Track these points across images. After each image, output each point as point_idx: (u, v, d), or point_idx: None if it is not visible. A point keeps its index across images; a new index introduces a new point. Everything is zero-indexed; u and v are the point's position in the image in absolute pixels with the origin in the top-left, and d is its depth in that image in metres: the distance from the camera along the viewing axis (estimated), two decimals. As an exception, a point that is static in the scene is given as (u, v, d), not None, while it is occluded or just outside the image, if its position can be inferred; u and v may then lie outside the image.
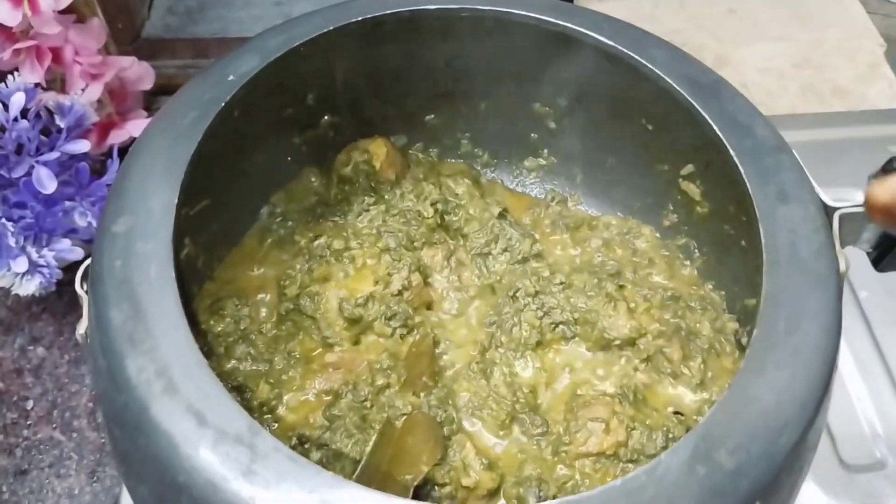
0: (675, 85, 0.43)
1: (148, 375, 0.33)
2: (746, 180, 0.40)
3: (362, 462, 0.42)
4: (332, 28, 0.45)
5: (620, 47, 0.45)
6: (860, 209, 0.39)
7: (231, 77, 0.42)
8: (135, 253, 0.36)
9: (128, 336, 0.33)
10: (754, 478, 0.32)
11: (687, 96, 0.43)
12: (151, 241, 0.36)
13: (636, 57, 0.45)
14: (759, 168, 0.40)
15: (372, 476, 0.41)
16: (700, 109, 0.43)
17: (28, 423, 0.57)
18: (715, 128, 0.42)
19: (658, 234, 0.55)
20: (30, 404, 0.58)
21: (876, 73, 0.79)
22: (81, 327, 0.38)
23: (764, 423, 0.33)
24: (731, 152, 0.41)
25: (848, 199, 0.40)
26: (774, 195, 0.39)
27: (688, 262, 0.53)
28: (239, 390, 0.46)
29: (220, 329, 0.48)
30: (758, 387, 0.34)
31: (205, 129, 0.40)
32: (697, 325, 0.49)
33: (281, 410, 0.46)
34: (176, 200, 0.37)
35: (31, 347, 0.60)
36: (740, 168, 0.40)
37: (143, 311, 0.34)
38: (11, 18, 0.54)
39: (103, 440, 0.56)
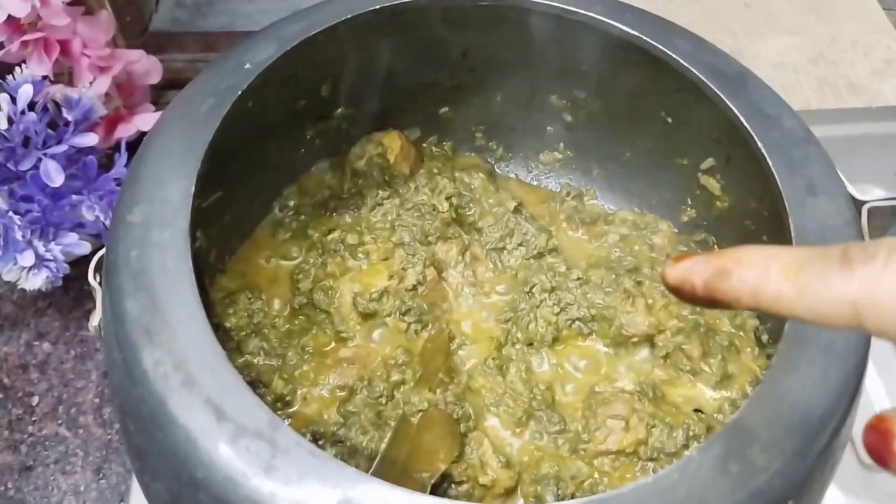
0: (700, 75, 0.43)
1: (165, 368, 0.32)
2: (775, 172, 0.39)
3: (377, 459, 0.42)
4: (349, 16, 0.45)
5: (644, 37, 0.44)
6: (889, 203, 0.39)
7: (248, 65, 0.41)
8: (151, 243, 0.35)
9: (144, 328, 0.33)
10: (788, 476, 0.31)
11: (713, 87, 0.42)
12: (168, 230, 0.35)
13: (660, 47, 0.44)
14: (788, 160, 0.40)
15: (388, 473, 0.40)
16: (726, 100, 0.42)
17: (33, 419, 0.56)
18: (742, 119, 0.41)
19: (676, 230, 0.54)
20: (35, 400, 0.57)
21: (892, 68, 0.78)
22: (95, 319, 0.37)
23: (798, 420, 0.32)
24: (759, 144, 0.40)
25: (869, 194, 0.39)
26: (803, 187, 0.38)
27: (706, 258, 0.52)
28: (253, 385, 0.45)
29: (232, 323, 0.47)
30: (790, 383, 0.33)
31: (222, 118, 0.39)
32: (716, 321, 0.48)
33: (295, 406, 0.45)
34: (193, 189, 0.36)
35: (36, 343, 0.59)
36: (768, 160, 0.39)
37: (159, 302, 0.33)
38: (20, 10, 0.54)
39: (109, 436, 0.55)
